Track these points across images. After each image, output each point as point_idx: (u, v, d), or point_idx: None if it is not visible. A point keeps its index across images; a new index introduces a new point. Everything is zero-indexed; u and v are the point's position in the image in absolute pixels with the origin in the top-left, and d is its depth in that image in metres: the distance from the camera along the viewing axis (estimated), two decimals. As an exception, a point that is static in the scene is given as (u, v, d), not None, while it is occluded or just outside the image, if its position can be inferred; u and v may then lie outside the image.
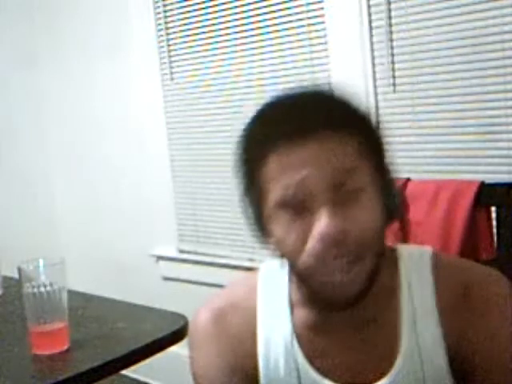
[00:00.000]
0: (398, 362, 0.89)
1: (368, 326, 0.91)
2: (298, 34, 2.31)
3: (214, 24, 2.56)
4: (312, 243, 0.83)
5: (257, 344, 0.95)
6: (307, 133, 0.82)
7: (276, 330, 0.95)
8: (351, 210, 0.83)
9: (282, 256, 0.90)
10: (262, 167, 0.85)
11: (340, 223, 0.81)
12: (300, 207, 0.84)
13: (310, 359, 0.92)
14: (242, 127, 0.90)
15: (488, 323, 0.89)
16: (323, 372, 0.91)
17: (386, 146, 0.91)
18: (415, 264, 0.94)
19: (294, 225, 0.84)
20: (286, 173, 0.83)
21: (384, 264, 0.89)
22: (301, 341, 0.93)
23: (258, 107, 0.89)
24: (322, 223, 0.81)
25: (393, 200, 0.91)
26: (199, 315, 1.00)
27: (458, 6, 1.91)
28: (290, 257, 0.87)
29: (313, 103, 0.86)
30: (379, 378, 0.90)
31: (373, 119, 0.91)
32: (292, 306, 0.95)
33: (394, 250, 0.96)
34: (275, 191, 0.84)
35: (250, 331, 0.95)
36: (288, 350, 0.93)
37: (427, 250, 0.96)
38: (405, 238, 1.35)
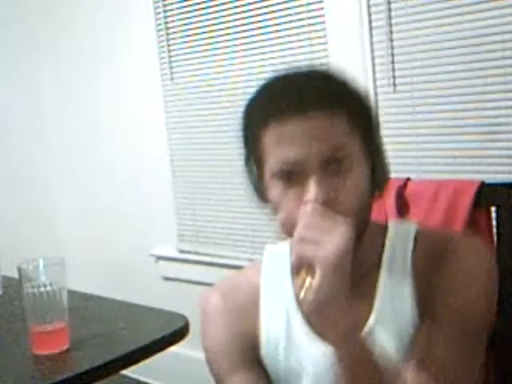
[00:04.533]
0: (372, 317, 1.00)
1: (353, 288, 0.96)
2: (297, 33, 2.31)
3: (214, 24, 2.56)
4: (302, 209, 0.92)
5: (259, 312, 1.07)
6: (299, 111, 0.92)
7: (277, 299, 1.06)
8: (339, 181, 0.93)
9: (279, 223, 0.99)
10: (259, 139, 0.96)
11: (326, 192, 0.91)
12: (293, 178, 0.94)
13: (308, 320, 1.02)
14: (247, 99, 1.01)
15: (454, 288, 0.97)
16: (317, 331, 1.00)
17: (375, 120, 1.01)
18: (400, 235, 1.05)
19: (287, 193, 0.94)
20: (279, 147, 0.93)
21: (371, 235, 1.00)
22: (300, 306, 1.03)
23: (261, 83, 1.01)
24: (310, 192, 0.91)
25: (381, 171, 1.00)
26: (208, 294, 1.12)
27: (458, 6, 1.91)
28: (285, 223, 0.96)
29: (306, 83, 0.96)
30: (363, 321, 1.00)
31: (363, 94, 1.00)
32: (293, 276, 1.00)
33: (384, 226, 1.07)
34: (270, 163, 0.95)
35: (254, 302, 1.07)
36: (288, 314, 1.05)
37: (414, 223, 1.08)
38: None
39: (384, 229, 1.07)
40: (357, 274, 0.94)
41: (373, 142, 0.99)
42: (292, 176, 0.93)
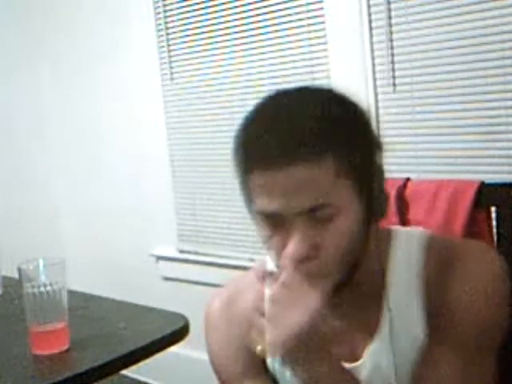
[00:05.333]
0: (376, 341, 0.97)
1: (357, 301, 0.97)
2: (297, 33, 2.31)
3: (213, 24, 2.56)
4: (283, 260, 0.90)
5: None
6: (281, 162, 0.86)
7: None
8: (322, 228, 0.89)
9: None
10: (245, 180, 0.93)
11: (307, 243, 0.88)
12: (276, 224, 0.90)
13: None
14: (237, 128, 0.95)
15: (464, 297, 0.94)
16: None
17: (374, 152, 0.94)
18: (406, 243, 1.00)
19: (272, 236, 0.92)
20: (261, 196, 0.90)
21: (375, 246, 0.97)
22: None
23: (249, 112, 0.94)
24: (290, 247, 0.88)
25: (379, 203, 0.95)
26: (211, 304, 1.10)
27: (458, 6, 1.91)
28: (273, 257, 0.95)
29: (294, 124, 0.88)
30: (366, 343, 0.98)
31: (362, 124, 0.94)
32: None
33: (389, 232, 1.02)
34: (256, 204, 0.91)
35: (259, 309, 0.99)
36: None
37: (420, 230, 1.04)
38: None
39: (388, 236, 1.02)
40: (357, 295, 0.94)
41: (368, 179, 0.92)
42: (275, 222, 0.90)
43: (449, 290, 0.94)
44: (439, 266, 0.96)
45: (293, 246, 0.88)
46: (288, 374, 0.99)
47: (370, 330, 0.98)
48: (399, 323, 0.96)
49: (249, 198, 0.94)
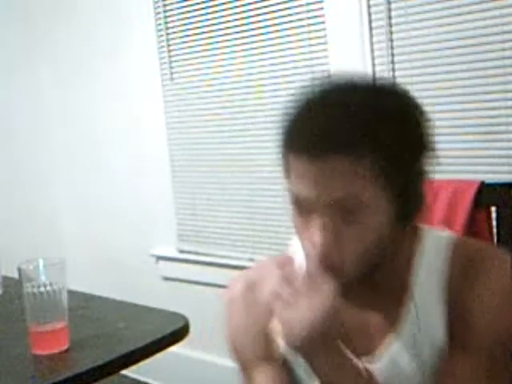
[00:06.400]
0: (396, 340, 0.97)
1: (379, 298, 0.98)
2: (297, 33, 2.31)
3: (213, 24, 2.56)
4: (308, 248, 0.92)
5: None
6: (317, 154, 0.87)
7: None
8: (348, 229, 0.89)
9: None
10: (285, 161, 0.94)
11: (330, 237, 0.89)
12: (303, 209, 0.91)
13: None
14: (287, 108, 0.93)
15: (484, 304, 0.94)
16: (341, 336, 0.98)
17: (415, 156, 0.94)
18: (434, 245, 0.99)
19: (298, 219, 0.93)
20: (294, 179, 0.91)
21: (404, 242, 0.97)
22: None
23: (300, 95, 0.93)
24: (315, 236, 0.90)
25: (411, 207, 0.93)
26: (233, 286, 1.10)
27: (458, 6, 1.91)
28: (301, 244, 0.95)
29: (336, 117, 0.88)
30: (386, 342, 0.97)
31: (411, 118, 0.94)
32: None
33: (417, 231, 1.01)
34: (292, 187, 0.92)
35: (280, 300, 0.98)
36: None
37: (447, 232, 1.03)
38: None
39: (416, 235, 1.00)
40: (380, 292, 0.95)
41: (404, 181, 0.91)
42: (307, 208, 0.91)
43: (470, 297, 0.94)
44: (463, 271, 0.95)
45: (319, 235, 0.89)
46: (303, 363, 0.98)
47: (390, 328, 0.97)
48: (421, 324, 0.96)
49: (288, 180, 0.94)
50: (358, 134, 0.86)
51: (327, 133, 0.87)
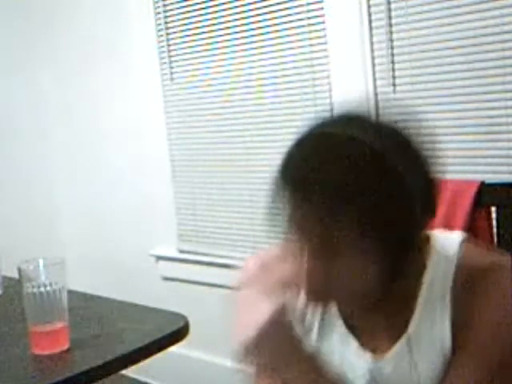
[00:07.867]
0: (406, 335, 0.97)
1: (392, 301, 0.98)
2: (297, 33, 2.31)
3: (213, 24, 2.57)
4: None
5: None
6: (311, 200, 0.87)
7: None
8: (339, 272, 0.89)
9: None
10: (280, 192, 0.92)
11: (317, 276, 0.89)
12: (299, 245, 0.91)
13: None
14: (287, 148, 0.93)
15: (485, 313, 0.93)
16: (350, 328, 1.01)
17: (407, 210, 0.90)
18: (444, 249, 0.98)
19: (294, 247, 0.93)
20: (293, 214, 0.90)
21: (414, 259, 0.96)
22: None
23: (296, 141, 0.92)
24: (303, 277, 0.90)
25: (403, 260, 0.92)
26: (248, 261, 1.08)
27: (458, 6, 1.91)
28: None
29: (331, 172, 0.86)
30: (391, 343, 0.98)
31: (398, 187, 0.90)
32: None
33: (427, 236, 1.00)
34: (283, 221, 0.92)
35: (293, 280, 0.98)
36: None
37: (457, 237, 1.01)
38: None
39: (426, 240, 1.00)
40: (392, 300, 0.96)
41: (396, 235, 0.89)
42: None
43: (476, 305, 0.94)
44: (470, 279, 0.95)
45: (307, 278, 0.90)
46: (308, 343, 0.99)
47: (397, 330, 0.98)
48: (426, 329, 0.96)
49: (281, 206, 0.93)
50: (343, 191, 0.86)
51: (325, 183, 0.86)
